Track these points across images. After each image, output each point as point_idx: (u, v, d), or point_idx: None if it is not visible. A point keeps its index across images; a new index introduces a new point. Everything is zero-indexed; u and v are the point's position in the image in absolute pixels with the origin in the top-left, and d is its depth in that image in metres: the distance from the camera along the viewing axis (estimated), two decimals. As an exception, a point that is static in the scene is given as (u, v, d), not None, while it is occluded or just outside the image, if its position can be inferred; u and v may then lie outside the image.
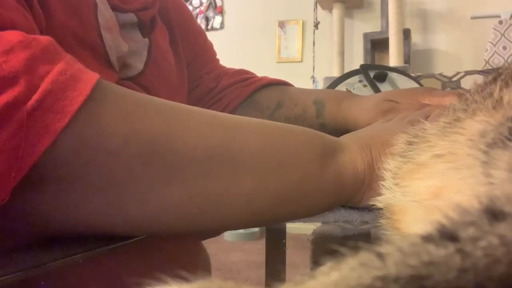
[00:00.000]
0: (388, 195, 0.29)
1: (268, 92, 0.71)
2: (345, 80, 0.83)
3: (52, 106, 0.25)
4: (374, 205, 0.31)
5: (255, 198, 0.32)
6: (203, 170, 0.30)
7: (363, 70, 0.82)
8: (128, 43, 0.51)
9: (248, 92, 0.70)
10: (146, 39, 0.56)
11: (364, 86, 0.81)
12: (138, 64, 0.53)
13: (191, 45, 0.69)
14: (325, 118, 0.66)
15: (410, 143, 0.30)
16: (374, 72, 0.82)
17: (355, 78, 0.83)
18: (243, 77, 0.72)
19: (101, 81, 0.28)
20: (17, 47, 0.25)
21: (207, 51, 0.74)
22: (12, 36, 0.26)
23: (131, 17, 0.53)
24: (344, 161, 0.36)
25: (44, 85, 0.25)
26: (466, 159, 0.22)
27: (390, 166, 0.31)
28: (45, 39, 0.27)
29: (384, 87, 0.81)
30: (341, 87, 0.83)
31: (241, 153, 0.32)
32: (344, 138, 0.40)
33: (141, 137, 0.28)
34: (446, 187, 0.23)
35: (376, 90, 0.79)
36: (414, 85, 0.82)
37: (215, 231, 0.35)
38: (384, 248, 0.10)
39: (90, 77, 0.27)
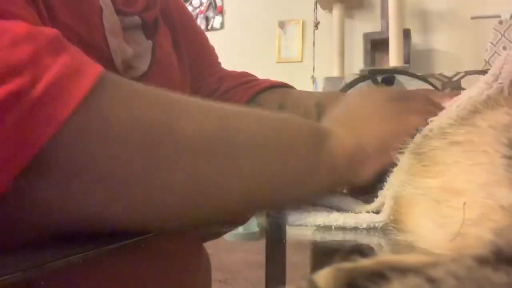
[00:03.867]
0: (399, 189, 0.29)
1: (270, 95, 0.71)
2: (353, 86, 0.85)
3: (57, 95, 0.25)
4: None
5: (254, 181, 0.33)
6: (202, 156, 0.31)
7: (371, 75, 0.84)
8: (132, 46, 0.51)
9: (250, 95, 0.70)
10: (150, 41, 0.56)
11: None
12: (142, 66, 0.53)
13: (193, 47, 0.69)
14: None
15: (425, 137, 0.31)
16: (382, 76, 0.84)
17: (364, 84, 0.86)
18: (245, 80, 0.72)
19: (105, 73, 0.28)
20: (23, 38, 0.26)
21: (209, 53, 0.74)
22: (19, 27, 0.26)
23: (136, 19, 0.53)
24: (333, 141, 0.39)
25: (49, 75, 0.25)
26: (484, 147, 0.21)
27: (402, 162, 0.32)
28: (51, 31, 0.28)
29: (393, 90, 0.83)
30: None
31: (238, 139, 0.33)
32: (326, 122, 0.43)
33: (141, 125, 0.29)
34: (457, 177, 0.23)
35: None
36: (422, 85, 0.83)
37: (218, 216, 0.35)
38: (433, 272, 0.09)
39: (94, 68, 0.28)
